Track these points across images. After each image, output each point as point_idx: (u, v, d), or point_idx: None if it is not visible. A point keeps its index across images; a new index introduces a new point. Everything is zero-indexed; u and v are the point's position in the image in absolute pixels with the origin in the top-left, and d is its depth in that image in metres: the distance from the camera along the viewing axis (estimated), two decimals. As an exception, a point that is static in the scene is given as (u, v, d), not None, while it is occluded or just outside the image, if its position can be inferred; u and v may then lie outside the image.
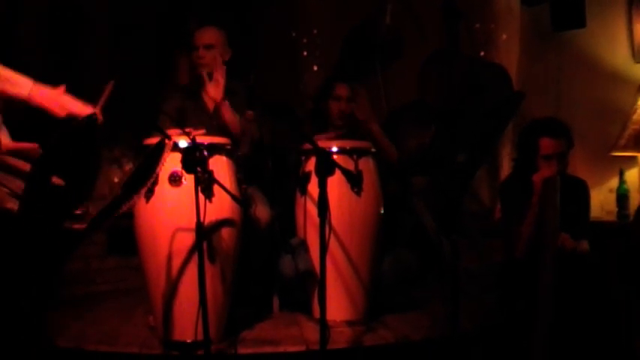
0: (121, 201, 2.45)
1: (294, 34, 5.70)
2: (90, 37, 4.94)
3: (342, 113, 4.01)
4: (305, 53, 5.63)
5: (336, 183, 3.23)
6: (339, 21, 5.67)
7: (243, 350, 3.10)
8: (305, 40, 5.65)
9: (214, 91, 3.58)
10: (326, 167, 2.86)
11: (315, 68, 5.60)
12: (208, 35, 3.81)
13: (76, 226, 2.37)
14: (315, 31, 5.63)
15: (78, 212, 2.37)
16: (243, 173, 3.58)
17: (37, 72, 2.57)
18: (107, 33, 5.13)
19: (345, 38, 5.65)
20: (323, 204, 2.75)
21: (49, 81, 2.57)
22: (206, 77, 3.62)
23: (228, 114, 3.62)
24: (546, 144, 3.27)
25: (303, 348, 3.15)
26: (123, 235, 3.61)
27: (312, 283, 3.56)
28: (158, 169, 2.69)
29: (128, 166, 4.73)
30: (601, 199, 4.80)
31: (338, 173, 3.00)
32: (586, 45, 5.00)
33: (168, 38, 5.17)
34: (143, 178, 2.61)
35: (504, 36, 5.18)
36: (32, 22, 4.12)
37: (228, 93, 3.80)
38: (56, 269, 2.62)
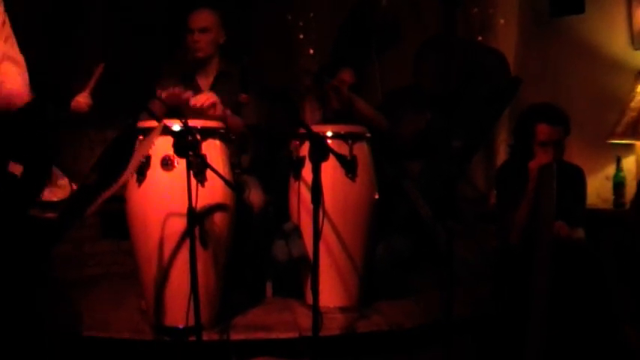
0: (100, 187, 2.40)
1: (289, 17, 5.63)
2: (85, 16, 4.87)
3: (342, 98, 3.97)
4: (301, 36, 5.58)
5: (330, 168, 3.20)
6: (335, 4, 5.60)
7: (235, 336, 3.09)
8: (301, 23, 5.58)
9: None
10: (320, 152, 2.82)
11: (311, 51, 5.54)
12: (203, 18, 3.75)
13: (48, 215, 2.33)
14: (311, 14, 5.56)
15: (51, 200, 2.32)
16: (237, 158, 3.55)
17: (32, 53, 2.52)
18: (102, 13, 5.06)
19: (341, 23, 5.59)
20: (317, 189, 2.73)
21: (44, 64, 2.53)
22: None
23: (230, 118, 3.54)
24: (543, 130, 3.24)
25: (295, 334, 3.14)
26: (116, 218, 3.58)
27: (305, 268, 3.54)
28: (143, 153, 2.64)
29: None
30: (597, 187, 4.75)
31: (332, 158, 2.96)
32: (584, 31, 4.93)
33: (174, 20, 5.08)
34: (122, 163, 2.55)
35: (502, 21, 5.13)
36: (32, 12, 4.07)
37: (224, 76, 3.77)
38: (39, 257, 2.57)
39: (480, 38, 5.15)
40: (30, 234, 2.40)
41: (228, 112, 3.49)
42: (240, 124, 3.56)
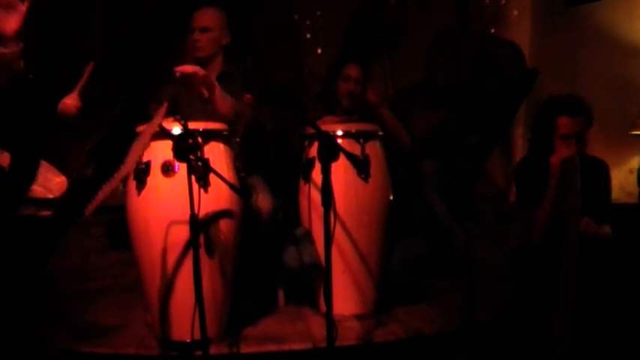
0: (99, 180, 2.26)
1: (296, 17, 5.56)
2: (85, 15, 4.79)
3: (349, 94, 3.89)
4: (308, 36, 5.50)
5: (341, 169, 3.10)
6: (342, 1, 5.53)
7: (245, 349, 2.98)
8: (308, 23, 5.53)
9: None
10: (329, 152, 2.68)
11: (319, 51, 5.48)
12: (206, 17, 3.65)
13: (44, 213, 2.21)
14: (318, 13, 5.51)
15: (47, 197, 2.22)
16: (244, 161, 3.42)
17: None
18: (102, 13, 4.98)
19: (349, 20, 5.50)
20: (327, 192, 2.61)
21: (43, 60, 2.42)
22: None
23: (219, 97, 3.40)
24: (564, 123, 3.14)
25: (309, 345, 3.02)
26: (123, 228, 3.46)
27: (318, 275, 3.42)
28: (144, 143, 2.52)
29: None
30: (620, 180, 4.62)
31: (343, 158, 2.84)
32: (602, 19, 4.81)
33: (174, 20, 5.01)
34: (120, 153, 2.41)
35: (515, 12, 5.05)
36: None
37: (226, 78, 3.65)
38: (39, 257, 2.46)
39: (492, 30, 5.05)
40: (24, 232, 2.30)
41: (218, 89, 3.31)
42: (230, 104, 3.38)
